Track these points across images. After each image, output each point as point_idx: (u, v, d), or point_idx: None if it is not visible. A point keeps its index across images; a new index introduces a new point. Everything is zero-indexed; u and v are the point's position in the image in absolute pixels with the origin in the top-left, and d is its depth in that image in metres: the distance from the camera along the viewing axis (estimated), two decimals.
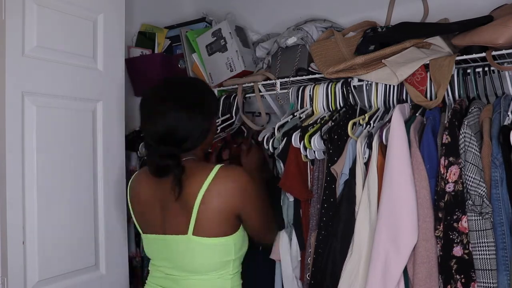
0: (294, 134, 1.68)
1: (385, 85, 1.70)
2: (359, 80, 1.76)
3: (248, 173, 1.48)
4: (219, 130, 2.01)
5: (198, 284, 1.46)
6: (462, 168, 1.36)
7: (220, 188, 1.40)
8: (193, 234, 1.41)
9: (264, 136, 1.84)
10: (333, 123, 1.71)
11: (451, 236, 1.35)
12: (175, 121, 1.43)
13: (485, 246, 1.31)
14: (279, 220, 1.71)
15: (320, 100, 1.84)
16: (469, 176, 1.34)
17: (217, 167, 1.42)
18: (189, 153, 1.49)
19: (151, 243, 1.54)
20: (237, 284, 1.51)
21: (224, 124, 2.05)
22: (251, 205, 1.46)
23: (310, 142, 1.63)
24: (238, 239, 1.48)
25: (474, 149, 1.34)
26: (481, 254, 1.31)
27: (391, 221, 1.39)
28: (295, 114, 1.85)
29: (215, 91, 2.20)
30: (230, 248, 1.45)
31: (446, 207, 1.36)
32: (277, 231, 1.72)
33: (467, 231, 1.34)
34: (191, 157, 1.50)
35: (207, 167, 1.44)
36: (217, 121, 2.03)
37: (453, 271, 1.34)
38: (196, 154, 1.52)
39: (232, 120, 2.08)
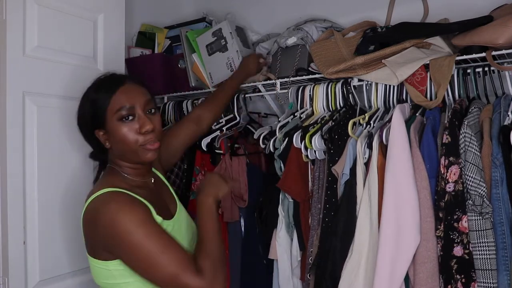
0: (295, 135, 1.68)
1: (385, 85, 1.71)
2: (359, 80, 1.76)
3: (123, 209, 1.21)
4: (224, 130, 2.01)
5: None
6: (462, 168, 1.36)
7: (88, 214, 1.26)
8: (87, 252, 1.31)
9: (261, 135, 1.84)
10: (333, 123, 1.72)
11: (451, 236, 1.36)
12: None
13: (485, 246, 1.31)
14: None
15: (320, 100, 1.85)
16: (469, 176, 1.34)
17: (99, 193, 1.25)
18: (110, 161, 1.38)
19: None
20: None
21: (230, 124, 2.05)
22: (114, 246, 1.21)
23: (311, 142, 1.64)
24: (124, 266, 1.24)
25: (474, 149, 1.35)
26: (481, 254, 1.32)
27: (395, 221, 1.40)
28: (295, 114, 1.85)
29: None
30: (109, 273, 1.27)
31: (447, 207, 1.37)
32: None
33: (467, 231, 1.34)
34: (110, 165, 1.38)
35: (99, 187, 1.28)
36: (221, 121, 2.03)
37: (453, 271, 1.35)
38: (117, 164, 1.36)
39: (237, 120, 2.08)
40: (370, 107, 1.78)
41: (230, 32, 2.09)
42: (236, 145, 1.98)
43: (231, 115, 2.09)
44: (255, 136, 1.88)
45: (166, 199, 1.45)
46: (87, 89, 1.36)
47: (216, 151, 1.96)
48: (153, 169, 1.49)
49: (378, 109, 1.73)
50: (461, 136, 1.37)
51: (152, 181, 1.44)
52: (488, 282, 1.30)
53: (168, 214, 1.37)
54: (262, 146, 1.83)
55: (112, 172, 1.35)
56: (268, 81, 2.02)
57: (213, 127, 2.01)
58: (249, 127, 2.11)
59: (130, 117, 1.30)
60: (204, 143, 1.93)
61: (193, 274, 1.17)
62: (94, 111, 1.31)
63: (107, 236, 1.20)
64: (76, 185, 1.73)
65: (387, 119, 1.59)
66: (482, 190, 1.33)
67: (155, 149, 1.33)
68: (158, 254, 1.18)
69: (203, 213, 1.31)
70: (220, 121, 2.05)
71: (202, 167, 1.98)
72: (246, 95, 2.12)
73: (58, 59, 1.69)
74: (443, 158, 1.39)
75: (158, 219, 1.29)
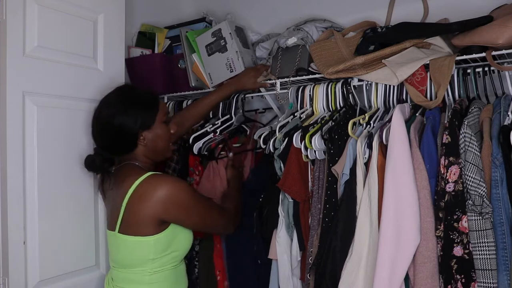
0: (295, 135, 1.68)
1: (385, 85, 1.71)
2: (359, 80, 1.76)
3: (178, 183, 1.54)
4: (218, 132, 2.01)
5: (121, 276, 1.60)
6: (462, 168, 1.36)
7: (143, 193, 1.49)
8: (119, 231, 1.54)
9: (261, 135, 1.84)
10: (333, 123, 1.72)
11: (451, 236, 1.36)
12: (103, 121, 1.61)
13: (485, 246, 1.31)
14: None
15: (320, 100, 1.84)
16: (469, 176, 1.34)
17: (148, 174, 1.52)
18: (132, 159, 1.62)
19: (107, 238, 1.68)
20: (157, 281, 1.56)
21: (225, 125, 2.05)
22: (179, 214, 1.53)
23: (311, 142, 1.64)
24: (161, 241, 1.53)
25: (474, 149, 1.35)
26: (481, 254, 1.31)
27: (395, 221, 1.40)
28: (295, 114, 1.85)
29: None
30: (149, 248, 1.52)
31: (447, 207, 1.37)
32: (231, 225, 1.73)
33: (467, 231, 1.34)
34: (132, 162, 1.61)
35: (140, 172, 1.54)
36: (216, 122, 2.04)
37: (453, 271, 1.35)
38: (139, 160, 1.62)
39: (232, 121, 2.08)
40: (370, 107, 1.78)
41: (230, 33, 2.09)
42: (222, 150, 2.02)
43: (228, 116, 2.08)
44: (255, 137, 1.88)
45: None
46: (127, 99, 1.62)
47: (202, 153, 2.01)
48: None
49: (378, 109, 1.73)
50: (461, 136, 1.37)
51: None
52: (488, 282, 1.30)
53: None
54: (263, 146, 1.83)
55: (134, 166, 1.60)
56: (268, 81, 2.02)
57: (209, 129, 2.02)
58: (243, 126, 2.11)
59: (167, 121, 1.67)
60: (196, 148, 1.97)
61: (226, 215, 1.69)
62: (146, 114, 1.60)
63: (169, 205, 1.49)
64: (76, 184, 1.73)
65: (387, 119, 1.59)
66: (482, 190, 1.33)
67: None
68: (209, 208, 1.64)
69: (235, 180, 1.89)
70: (216, 122, 2.05)
71: (195, 167, 2.05)
72: (246, 95, 2.11)
73: (58, 59, 1.69)
74: (443, 158, 1.39)
75: None
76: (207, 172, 2.00)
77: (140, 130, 1.59)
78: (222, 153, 2.01)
